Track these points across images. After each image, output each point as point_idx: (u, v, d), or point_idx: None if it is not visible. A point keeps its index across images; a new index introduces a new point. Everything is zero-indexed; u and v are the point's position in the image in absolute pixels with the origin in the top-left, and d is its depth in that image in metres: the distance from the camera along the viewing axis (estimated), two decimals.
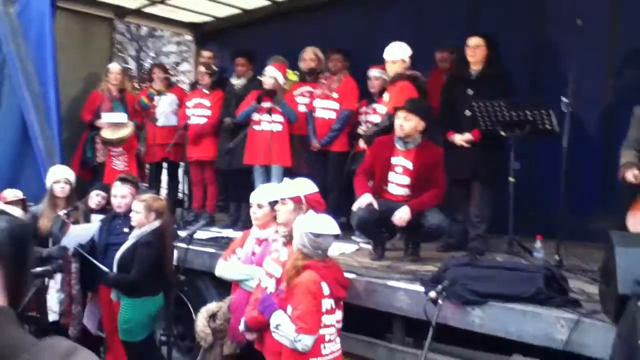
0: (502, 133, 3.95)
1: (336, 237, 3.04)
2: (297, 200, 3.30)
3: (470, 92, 4.34)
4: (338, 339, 2.98)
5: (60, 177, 4.57)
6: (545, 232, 3.83)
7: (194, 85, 6.48)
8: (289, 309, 2.88)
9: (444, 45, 5.36)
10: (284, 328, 2.83)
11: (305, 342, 2.76)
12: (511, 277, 2.96)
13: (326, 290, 2.88)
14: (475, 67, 4.42)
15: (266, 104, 5.05)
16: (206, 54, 6.59)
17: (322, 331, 2.85)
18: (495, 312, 2.86)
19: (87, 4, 6.98)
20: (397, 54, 4.52)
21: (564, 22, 4.04)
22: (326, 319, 2.88)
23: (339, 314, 3.00)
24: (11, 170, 5.79)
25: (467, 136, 4.34)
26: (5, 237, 1.03)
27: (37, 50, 5.89)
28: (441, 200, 3.95)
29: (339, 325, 3.02)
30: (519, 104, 3.90)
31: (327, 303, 2.89)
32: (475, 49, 4.39)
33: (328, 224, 2.98)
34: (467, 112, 4.23)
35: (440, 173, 3.97)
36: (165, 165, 6.61)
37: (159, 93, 6.17)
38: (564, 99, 3.60)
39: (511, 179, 3.91)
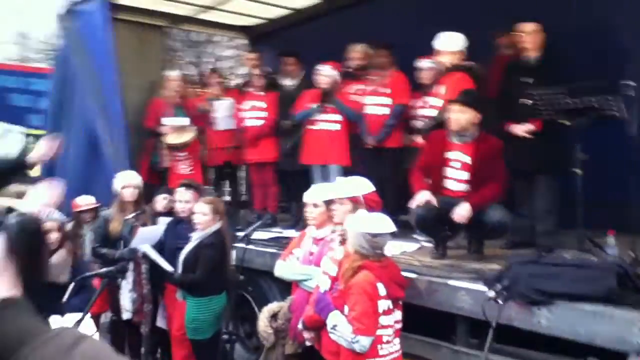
0: (566, 122, 3.77)
1: (392, 234, 3.00)
2: (355, 201, 3.29)
3: (529, 80, 4.17)
4: (397, 340, 2.95)
5: (129, 182, 4.75)
6: (619, 226, 3.62)
7: (240, 88, 6.55)
8: (346, 309, 2.88)
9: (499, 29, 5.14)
10: (341, 329, 2.84)
11: (362, 342, 2.76)
12: (580, 276, 2.82)
13: (382, 290, 2.85)
14: (533, 54, 4.25)
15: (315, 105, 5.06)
16: (250, 55, 6.66)
17: (379, 332, 2.83)
18: (564, 313, 2.73)
19: (141, 14, 7.17)
20: (457, 44, 4.42)
21: None
22: (383, 320, 2.85)
23: (397, 314, 2.96)
24: (82, 180, 6.09)
25: (529, 126, 4.17)
26: (16, 232, 1.09)
27: (99, 61, 6.16)
28: (503, 195, 3.81)
29: (398, 326, 2.98)
30: (583, 90, 3.69)
31: (384, 304, 2.86)
32: (532, 35, 4.22)
33: (383, 223, 2.95)
34: (527, 102, 4.05)
35: (501, 166, 3.82)
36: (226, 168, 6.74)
37: (217, 98, 6.30)
38: (629, 83, 3.38)
39: (578, 171, 3.72)
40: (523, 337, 2.94)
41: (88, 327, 3.68)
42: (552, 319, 2.77)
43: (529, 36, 4.25)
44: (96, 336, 4.43)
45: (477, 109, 3.81)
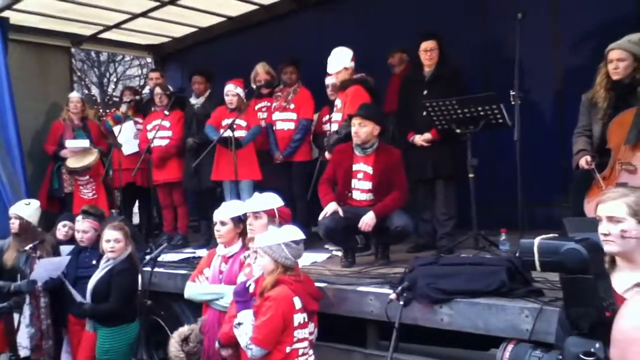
0: (457, 130, 4.01)
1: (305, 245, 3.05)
2: (271, 214, 3.30)
3: (425, 92, 4.40)
4: (311, 352, 2.97)
5: (12, 212, 4.52)
6: (510, 224, 3.88)
7: (146, 106, 6.42)
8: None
9: (392, 47, 5.42)
10: (243, 329, 2.86)
11: (254, 352, 2.79)
12: (475, 273, 2.98)
13: (298, 304, 2.86)
14: (428, 68, 4.50)
15: (228, 120, 5.04)
16: (154, 74, 6.57)
17: (295, 345, 2.84)
18: (462, 308, 2.87)
19: (41, 35, 6.90)
20: (337, 64, 4.58)
21: (508, 16, 4.12)
22: (299, 333, 2.87)
23: (311, 327, 2.98)
24: None
25: (427, 136, 4.41)
26: None
27: None
28: (405, 202, 3.97)
29: (312, 337, 3.00)
30: (470, 101, 3.95)
31: (300, 317, 2.87)
32: (431, 52, 4.45)
33: (297, 230, 3.00)
34: (424, 113, 4.27)
35: (401, 174, 4.00)
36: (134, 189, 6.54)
37: (126, 116, 6.12)
38: (511, 92, 3.68)
39: (470, 175, 3.96)
40: (443, 335, 3.04)
41: None
42: (454, 315, 2.90)
43: (428, 54, 4.48)
44: None
45: (375, 121, 3.96)
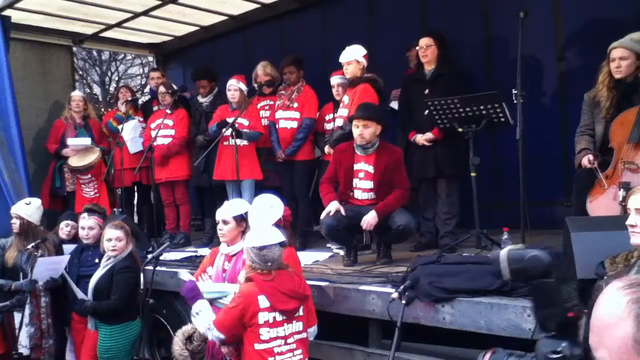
0: (459, 129, 4.01)
1: (281, 245, 2.98)
2: (277, 223, 3.32)
3: (426, 92, 4.40)
4: (299, 351, 2.94)
5: (13, 212, 4.53)
6: (512, 223, 3.88)
7: (145, 105, 6.41)
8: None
9: (401, 44, 5.41)
10: (202, 317, 3.05)
11: (214, 333, 2.95)
12: (477, 271, 2.99)
13: (264, 302, 2.85)
14: (429, 67, 4.49)
15: (230, 119, 5.05)
16: (154, 74, 6.58)
17: (268, 345, 2.85)
18: (465, 307, 2.88)
19: (42, 33, 6.91)
20: (350, 55, 4.58)
21: (511, 15, 4.12)
22: (269, 332, 2.85)
23: (297, 326, 2.94)
24: None
25: (428, 135, 4.40)
26: None
27: None
28: (407, 200, 3.98)
29: (299, 337, 2.95)
30: (472, 99, 3.95)
31: (267, 316, 2.86)
32: (426, 49, 4.46)
33: (270, 235, 2.97)
34: (426, 112, 4.27)
35: (402, 173, 4.00)
36: (136, 188, 6.55)
37: (127, 115, 6.13)
38: (514, 91, 3.67)
39: (473, 174, 3.96)
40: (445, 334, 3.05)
41: None
42: (456, 314, 2.90)
43: (423, 50, 4.48)
44: None
45: (378, 121, 3.95)
